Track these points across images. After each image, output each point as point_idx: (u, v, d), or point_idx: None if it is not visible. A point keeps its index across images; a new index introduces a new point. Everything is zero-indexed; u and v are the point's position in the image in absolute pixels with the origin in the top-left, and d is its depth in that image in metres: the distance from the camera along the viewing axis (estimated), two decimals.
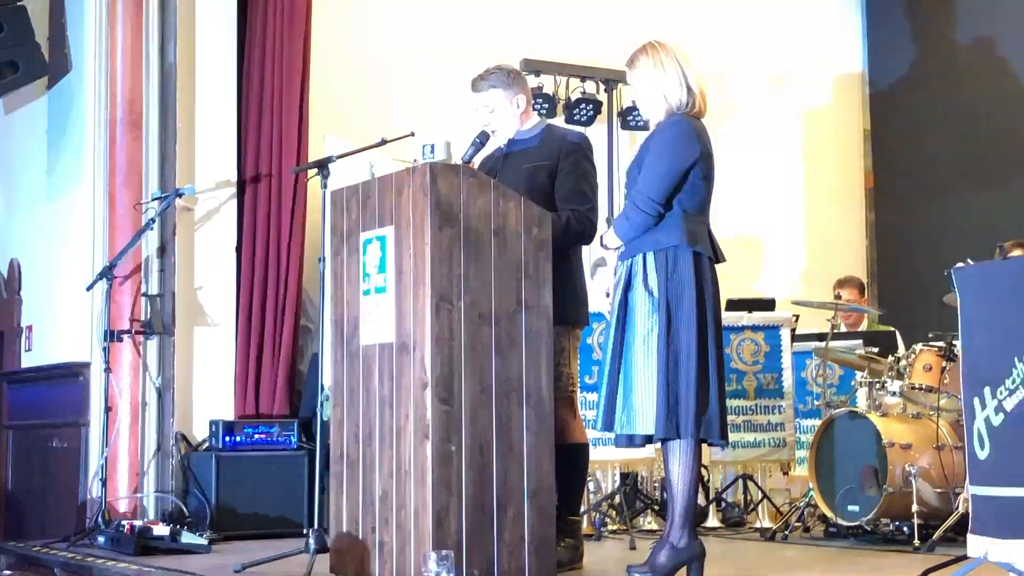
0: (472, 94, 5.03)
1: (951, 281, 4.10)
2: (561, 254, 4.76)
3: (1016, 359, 3.80)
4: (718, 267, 4.45)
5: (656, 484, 6.95)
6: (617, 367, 4.34)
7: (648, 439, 4.34)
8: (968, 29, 9.51)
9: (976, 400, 3.94)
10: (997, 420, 3.87)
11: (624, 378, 4.32)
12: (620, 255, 4.46)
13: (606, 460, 6.52)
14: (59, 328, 7.34)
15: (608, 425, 4.38)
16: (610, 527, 6.57)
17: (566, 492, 4.89)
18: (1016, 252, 6.00)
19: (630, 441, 4.39)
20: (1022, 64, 8.31)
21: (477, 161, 5.07)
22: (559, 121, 8.48)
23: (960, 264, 4.17)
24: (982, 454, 3.93)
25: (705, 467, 6.99)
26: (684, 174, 4.33)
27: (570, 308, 4.82)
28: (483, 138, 5.02)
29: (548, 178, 4.85)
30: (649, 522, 6.77)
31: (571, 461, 4.89)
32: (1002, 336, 3.86)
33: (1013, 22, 8.89)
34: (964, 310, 4.04)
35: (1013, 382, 3.81)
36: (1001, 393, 3.85)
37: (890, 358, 6.27)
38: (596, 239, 4.84)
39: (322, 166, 5.31)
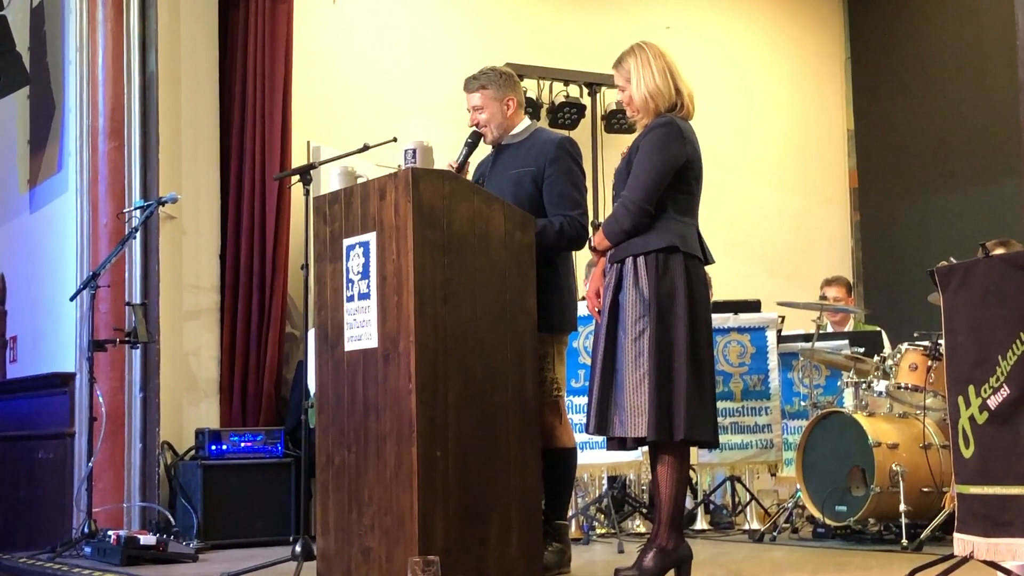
0: (464, 93, 5.03)
1: (933, 280, 4.11)
2: (547, 259, 4.75)
3: (999, 357, 3.80)
4: (713, 269, 4.48)
5: (644, 487, 6.94)
6: (609, 370, 4.33)
7: (639, 442, 4.33)
8: (951, 28, 9.54)
9: (960, 398, 3.95)
10: (982, 418, 3.87)
11: (616, 381, 4.31)
12: (610, 257, 4.45)
13: (594, 464, 6.50)
14: (44, 339, 7.32)
15: (600, 429, 4.36)
16: (598, 531, 6.57)
17: (553, 496, 4.88)
18: (999, 251, 6.00)
19: (621, 444, 4.38)
20: (1005, 63, 8.33)
21: (472, 162, 5.07)
22: (543, 125, 8.48)
23: (943, 263, 4.17)
24: (967, 452, 3.94)
25: (693, 469, 6.98)
26: (674, 176, 4.32)
27: (556, 314, 4.81)
28: (475, 139, 5.01)
29: (534, 183, 4.84)
30: (637, 525, 6.76)
31: (558, 465, 4.88)
32: (985, 334, 3.86)
33: (995, 21, 8.92)
34: (947, 309, 4.05)
35: (997, 380, 3.81)
36: (985, 391, 3.85)
37: (876, 358, 6.28)
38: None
39: (305, 172, 5.30)
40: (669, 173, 4.32)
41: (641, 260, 4.31)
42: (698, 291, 4.31)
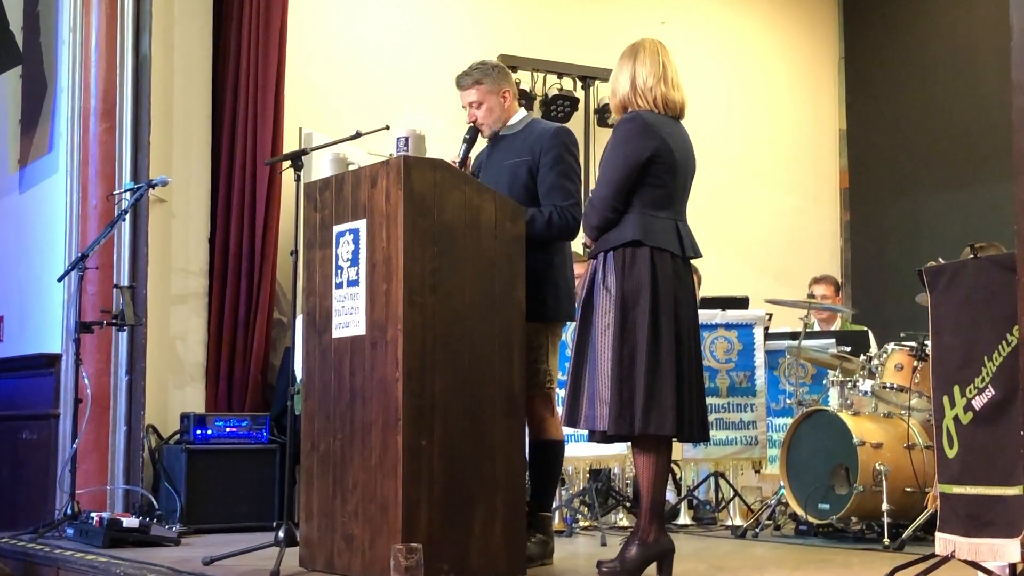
0: (459, 91, 5.03)
1: (922, 280, 4.12)
2: (543, 249, 4.76)
3: (985, 358, 3.81)
4: (703, 265, 4.46)
5: (628, 481, 6.95)
6: (581, 364, 4.36)
7: (604, 435, 4.35)
8: (944, 30, 9.56)
9: (945, 398, 3.96)
10: (966, 419, 3.89)
11: (587, 375, 4.34)
12: (589, 254, 4.48)
13: (578, 457, 6.51)
14: (31, 319, 7.30)
15: (572, 421, 4.40)
16: (581, 523, 6.57)
17: (539, 488, 4.90)
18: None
19: (593, 436, 4.43)
20: (998, 65, 8.34)
21: (472, 156, 5.08)
22: (537, 116, 8.48)
23: (931, 263, 4.19)
24: (951, 452, 3.95)
25: (677, 464, 7.00)
26: (641, 170, 4.31)
27: (550, 304, 4.82)
28: (473, 134, 5.03)
29: (529, 174, 4.85)
30: (620, 518, 6.77)
31: (546, 457, 4.89)
32: (971, 335, 3.88)
33: (989, 23, 8.93)
34: (934, 309, 4.06)
35: (982, 380, 3.82)
36: (970, 392, 3.87)
37: (862, 357, 6.29)
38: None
39: (296, 158, 5.29)
40: (633, 168, 4.31)
41: (610, 256, 4.33)
42: (664, 285, 4.28)
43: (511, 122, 5.04)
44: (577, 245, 5.24)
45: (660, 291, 4.27)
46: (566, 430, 5.20)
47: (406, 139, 4.44)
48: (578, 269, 6.43)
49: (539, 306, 4.69)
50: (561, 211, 4.79)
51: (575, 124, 8.79)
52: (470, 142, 5.02)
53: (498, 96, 5.00)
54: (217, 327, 7.00)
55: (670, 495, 6.93)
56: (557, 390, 5.06)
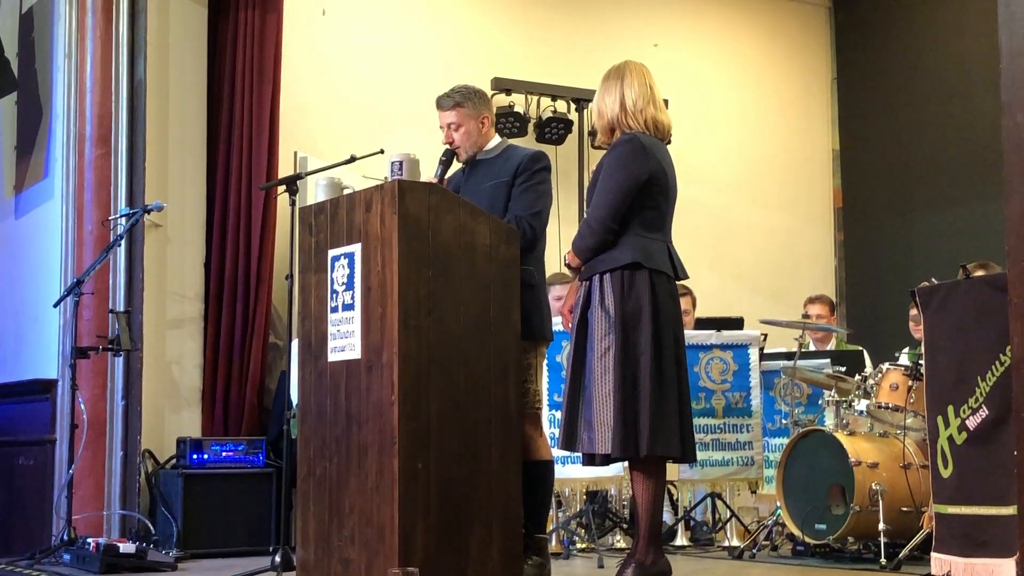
0: (438, 112, 5.06)
1: (915, 300, 4.14)
2: (524, 270, 4.76)
3: (978, 378, 3.83)
4: (697, 286, 4.48)
5: (624, 503, 6.95)
6: (577, 387, 4.37)
7: (606, 458, 4.36)
8: (936, 51, 9.60)
9: (940, 418, 3.98)
10: (960, 439, 3.91)
11: (584, 398, 4.34)
12: (580, 275, 4.49)
13: (574, 479, 6.51)
14: (26, 345, 7.30)
15: (568, 444, 4.41)
16: (579, 545, 6.56)
17: (532, 509, 4.89)
18: (980, 273, 6.04)
19: (591, 460, 4.42)
20: (989, 86, 8.38)
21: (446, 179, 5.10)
22: (530, 140, 8.52)
23: (924, 283, 4.21)
24: (945, 472, 3.97)
25: (674, 485, 7.00)
26: (638, 191, 4.34)
27: (535, 324, 4.82)
28: (448, 156, 5.06)
29: (506, 194, 4.87)
30: (617, 540, 6.76)
31: (536, 478, 4.88)
32: (965, 355, 3.90)
33: (980, 44, 8.97)
34: (928, 329, 4.08)
35: (976, 401, 3.84)
36: (964, 412, 3.89)
37: (857, 377, 6.30)
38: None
39: (291, 183, 5.31)
40: (632, 190, 4.34)
41: (607, 277, 4.34)
42: (664, 307, 4.32)
43: (487, 147, 5.06)
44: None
45: (661, 313, 4.29)
46: (561, 452, 5.20)
47: (400, 163, 4.46)
48: (560, 291, 6.46)
49: (526, 326, 4.70)
50: (519, 220, 4.78)
51: (569, 146, 8.82)
52: (446, 164, 5.04)
53: (477, 121, 5.02)
54: (213, 351, 7.01)
55: (667, 516, 6.93)
56: (548, 411, 5.06)
